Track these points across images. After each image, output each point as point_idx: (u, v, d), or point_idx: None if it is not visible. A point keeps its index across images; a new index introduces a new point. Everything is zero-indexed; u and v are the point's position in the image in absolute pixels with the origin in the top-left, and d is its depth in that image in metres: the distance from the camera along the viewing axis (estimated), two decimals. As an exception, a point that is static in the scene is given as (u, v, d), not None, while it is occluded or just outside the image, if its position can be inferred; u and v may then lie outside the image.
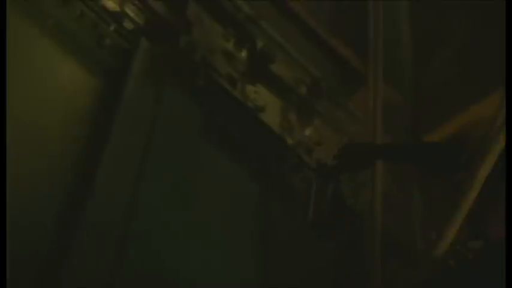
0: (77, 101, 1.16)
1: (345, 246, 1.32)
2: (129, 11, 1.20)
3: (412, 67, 1.63)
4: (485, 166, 1.13)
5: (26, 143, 1.08)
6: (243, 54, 1.33)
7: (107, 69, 1.21)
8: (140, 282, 1.08)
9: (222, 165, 1.31)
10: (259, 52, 1.33)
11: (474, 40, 1.57)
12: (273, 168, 1.37)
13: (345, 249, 1.33)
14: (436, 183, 1.21)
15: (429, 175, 1.31)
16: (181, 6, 1.25)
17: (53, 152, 1.11)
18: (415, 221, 1.39)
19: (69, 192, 1.09)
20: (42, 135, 1.10)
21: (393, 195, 1.38)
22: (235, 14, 1.35)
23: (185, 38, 1.23)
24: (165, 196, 1.17)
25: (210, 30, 1.29)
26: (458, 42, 1.59)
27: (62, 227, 1.06)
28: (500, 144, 1.15)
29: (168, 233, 1.15)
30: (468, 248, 1.05)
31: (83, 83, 1.18)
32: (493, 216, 1.04)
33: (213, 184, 1.27)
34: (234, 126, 1.34)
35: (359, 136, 1.45)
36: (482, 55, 1.54)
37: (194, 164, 1.25)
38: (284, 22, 1.50)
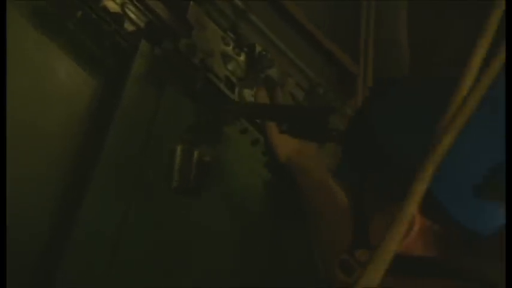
0: (75, 101, 1.17)
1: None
2: (130, 12, 1.20)
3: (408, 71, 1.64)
4: None
5: (24, 142, 1.08)
6: (242, 58, 1.33)
7: (106, 70, 1.21)
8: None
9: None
10: (257, 56, 1.33)
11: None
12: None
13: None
14: None
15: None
16: (182, 9, 1.26)
17: (50, 152, 1.11)
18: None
19: (66, 192, 1.09)
20: (40, 134, 1.10)
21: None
22: (235, 18, 1.36)
23: (185, 40, 1.23)
24: (161, 198, 1.17)
25: (210, 33, 1.29)
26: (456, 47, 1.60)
27: (57, 227, 1.06)
28: None
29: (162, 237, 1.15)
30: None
31: (81, 83, 1.18)
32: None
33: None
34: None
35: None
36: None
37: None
38: (283, 27, 1.51)
